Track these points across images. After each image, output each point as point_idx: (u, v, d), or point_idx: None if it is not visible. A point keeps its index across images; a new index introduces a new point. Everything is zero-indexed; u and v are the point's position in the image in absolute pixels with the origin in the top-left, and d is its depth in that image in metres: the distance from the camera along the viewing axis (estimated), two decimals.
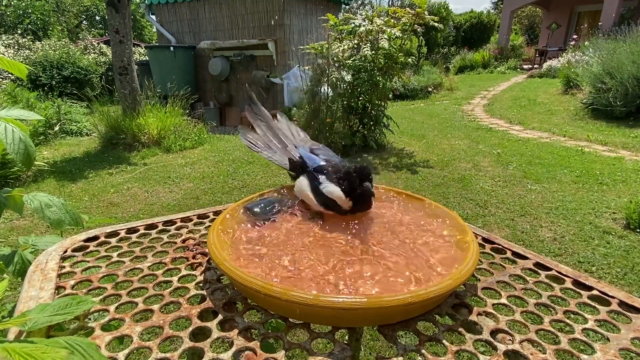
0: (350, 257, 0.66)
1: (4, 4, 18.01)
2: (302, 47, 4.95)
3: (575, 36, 11.16)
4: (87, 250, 0.77)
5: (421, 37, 10.49)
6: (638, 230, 2.42)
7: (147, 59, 7.62)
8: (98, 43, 11.31)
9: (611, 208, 2.75)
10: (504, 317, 0.57)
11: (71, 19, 21.94)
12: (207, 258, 0.73)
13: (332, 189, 0.74)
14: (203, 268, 0.70)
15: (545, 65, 10.31)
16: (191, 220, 0.92)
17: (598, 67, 5.75)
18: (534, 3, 13.76)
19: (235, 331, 0.53)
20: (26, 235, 0.95)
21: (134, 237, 0.83)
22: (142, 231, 0.85)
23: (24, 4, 18.20)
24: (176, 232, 0.86)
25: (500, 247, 0.79)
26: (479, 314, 0.58)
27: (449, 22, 13.46)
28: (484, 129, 5.45)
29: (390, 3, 15.34)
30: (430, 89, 9.07)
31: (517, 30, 18.41)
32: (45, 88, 7.79)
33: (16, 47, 10.09)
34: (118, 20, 4.76)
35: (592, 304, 0.61)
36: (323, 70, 4.30)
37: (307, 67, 4.62)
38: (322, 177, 0.77)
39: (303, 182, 0.79)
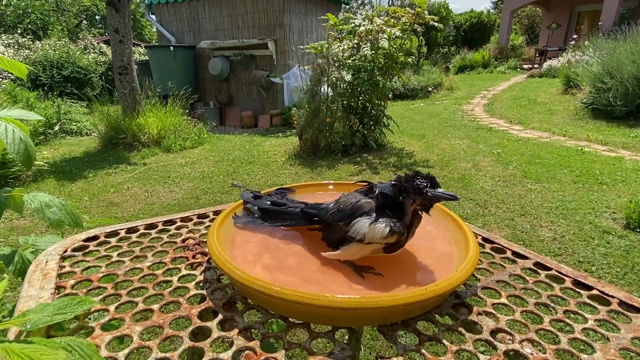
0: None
1: (4, 3, 18.01)
2: (302, 46, 4.95)
3: (575, 36, 11.15)
4: (87, 250, 0.77)
5: (421, 37, 10.49)
6: (638, 230, 2.42)
7: (147, 58, 7.62)
8: (98, 43, 11.30)
9: (611, 208, 2.75)
10: (504, 317, 0.57)
11: (71, 18, 21.94)
12: (207, 258, 0.73)
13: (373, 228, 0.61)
14: (203, 268, 0.70)
15: (545, 65, 10.30)
16: (191, 220, 0.92)
17: (598, 66, 5.75)
18: (534, 3, 13.75)
19: (235, 331, 0.53)
20: (26, 235, 0.95)
21: (134, 236, 0.83)
22: (142, 231, 0.85)
23: (24, 4, 18.20)
24: (176, 231, 0.86)
25: (500, 246, 0.79)
26: (479, 313, 0.58)
27: (449, 21, 13.46)
28: (484, 129, 5.45)
29: (390, 3, 15.33)
30: (430, 89, 9.06)
31: (517, 30, 18.39)
32: (45, 88, 7.79)
33: (16, 47, 10.09)
34: (118, 20, 4.76)
35: (592, 303, 0.61)
36: (323, 70, 4.30)
37: (307, 67, 4.62)
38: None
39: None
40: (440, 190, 0.61)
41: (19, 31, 14.99)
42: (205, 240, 0.81)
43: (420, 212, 0.63)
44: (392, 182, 0.64)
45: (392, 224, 0.60)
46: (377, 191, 0.65)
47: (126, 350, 0.49)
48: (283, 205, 0.79)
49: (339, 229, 0.65)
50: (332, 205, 0.69)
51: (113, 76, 5.20)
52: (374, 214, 0.62)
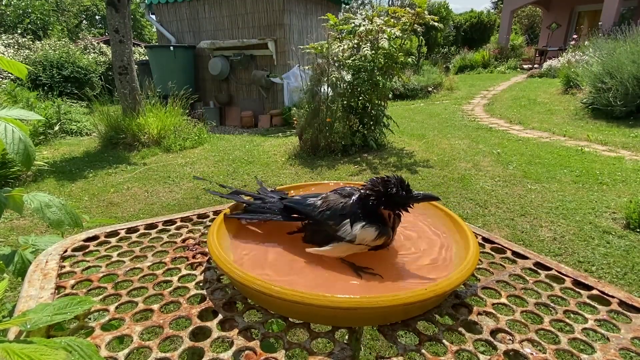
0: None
1: (4, 3, 18.01)
2: (302, 46, 4.95)
3: (575, 36, 11.15)
4: (87, 250, 0.77)
5: (421, 37, 10.49)
6: (638, 230, 2.42)
7: (147, 58, 7.62)
8: (98, 43, 11.30)
9: (611, 208, 2.75)
10: (504, 317, 0.57)
11: (71, 18, 21.94)
12: (207, 258, 0.73)
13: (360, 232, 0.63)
14: (203, 268, 0.70)
15: (545, 65, 10.30)
16: (191, 220, 0.92)
17: (598, 66, 5.75)
18: (534, 3, 13.75)
19: (235, 331, 0.53)
20: (26, 235, 0.95)
21: (134, 236, 0.83)
22: (142, 231, 0.85)
23: (23, 4, 18.20)
24: (176, 231, 0.86)
25: (500, 246, 0.79)
26: (479, 313, 0.58)
27: (449, 21, 13.47)
28: (484, 129, 5.45)
29: (390, 3, 15.34)
30: (430, 89, 9.06)
31: (517, 30, 18.39)
32: (45, 88, 7.79)
33: (16, 47, 10.09)
34: (118, 20, 4.76)
35: (592, 303, 0.61)
36: (323, 70, 4.30)
37: (307, 67, 4.62)
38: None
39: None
40: (415, 192, 0.63)
41: (19, 31, 14.99)
42: (205, 240, 0.81)
43: (399, 213, 0.65)
44: (361, 194, 0.65)
45: (380, 228, 0.62)
46: (354, 198, 0.66)
47: (126, 350, 0.49)
48: (260, 199, 0.78)
49: (327, 227, 0.65)
50: (319, 202, 0.68)
51: (113, 76, 5.20)
52: (361, 217, 0.63)
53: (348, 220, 0.63)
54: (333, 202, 0.66)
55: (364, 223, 0.62)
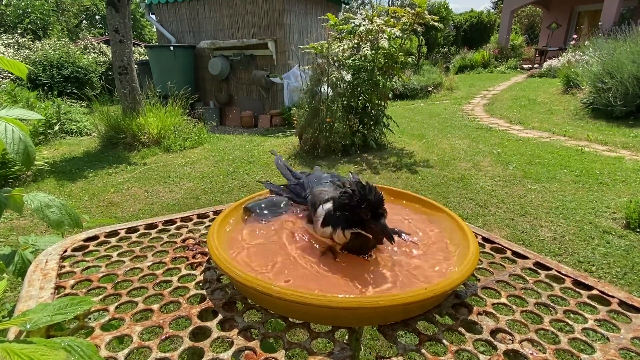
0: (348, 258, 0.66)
1: (4, 3, 18.01)
2: (302, 46, 4.95)
3: (575, 36, 11.15)
4: (87, 250, 0.77)
5: (421, 37, 10.49)
6: (638, 230, 2.42)
7: (147, 58, 7.62)
8: (98, 42, 11.30)
9: (611, 208, 2.75)
10: (504, 317, 0.57)
11: (71, 18, 21.93)
12: (207, 258, 0.73)
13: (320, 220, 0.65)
14: (203, 268, 0.70)
15: (545, 65, 10.30)
16: (191, 219, 0.92)
17: (598, 66, 5.75)
18: (534, 3, 13.75)
19: (235, 331, 0.53)
20: (26, 235, 0.95)
21: (133, 236, 0.83)
22: (142, 231, 0.85)
23: (23, 4, 18.19)
24: (176, 231, 0.86)
25: (500, 246, 0.79)
26: (479, 313, 0.58)
27: (449, 21, 13.47)
28: (484, 129, 5.45)
29: (390, 3, 15.35)
30: (430, 89, 9.06)
31: (517, 29, 18.38)
32: (45, 87, 7.79)
33: (16, 47, 10.09)
34: (118, 20, 4.76)
35: (592, 303, 0.61)
36: (323, 70, 4.30)
37: (307, 67, 4.62)
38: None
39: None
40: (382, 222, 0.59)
41: (19, 31, 14.96)
42: (205, 240, 0.81)
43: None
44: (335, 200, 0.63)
45: (337, 227, 0.63)
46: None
47: (126, 350, 0.49)
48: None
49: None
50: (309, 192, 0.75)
51: (113, 76, 5.20)
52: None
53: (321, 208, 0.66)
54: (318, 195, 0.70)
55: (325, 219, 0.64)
